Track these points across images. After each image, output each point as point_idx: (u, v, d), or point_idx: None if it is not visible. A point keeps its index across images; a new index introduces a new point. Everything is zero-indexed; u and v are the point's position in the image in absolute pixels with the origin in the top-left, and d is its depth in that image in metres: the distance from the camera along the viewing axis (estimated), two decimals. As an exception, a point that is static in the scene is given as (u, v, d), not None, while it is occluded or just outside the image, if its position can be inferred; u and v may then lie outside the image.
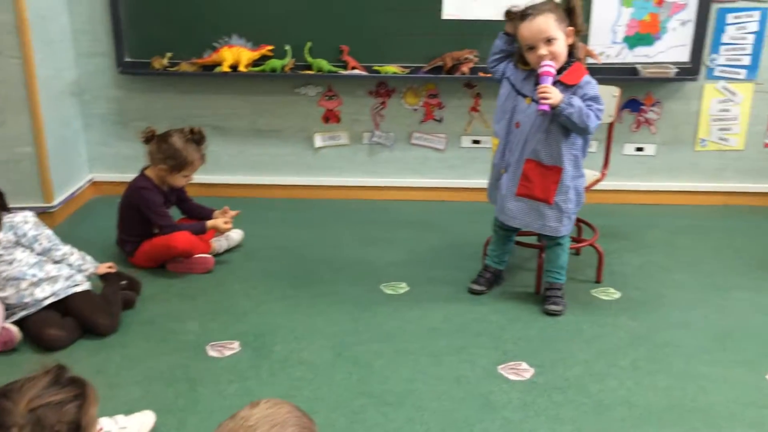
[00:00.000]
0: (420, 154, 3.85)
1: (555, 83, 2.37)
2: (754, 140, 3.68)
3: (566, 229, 2.58)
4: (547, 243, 2.65)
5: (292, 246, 3.28)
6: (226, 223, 3.03)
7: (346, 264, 3.09)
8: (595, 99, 2.39)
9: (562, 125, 2.41)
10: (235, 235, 3.24)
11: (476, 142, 3.78)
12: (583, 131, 2.40)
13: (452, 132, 3.79)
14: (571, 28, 2.42)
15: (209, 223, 3.02)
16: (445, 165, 3.85)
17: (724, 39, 3.50)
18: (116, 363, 2.30)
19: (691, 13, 3.40)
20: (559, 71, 2.40)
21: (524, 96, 2.47)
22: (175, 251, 2.92)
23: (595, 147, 3.68)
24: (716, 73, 3.57)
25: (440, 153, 3.83)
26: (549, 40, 2.37)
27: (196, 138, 3.00)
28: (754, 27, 3.47)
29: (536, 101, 2.38)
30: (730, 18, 3.47)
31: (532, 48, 2.39)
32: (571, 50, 2.44)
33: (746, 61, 3.53)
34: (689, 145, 3.72)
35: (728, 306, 2.68)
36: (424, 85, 3.70)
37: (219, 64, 3.53)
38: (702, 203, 3.78)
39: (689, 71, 3.48)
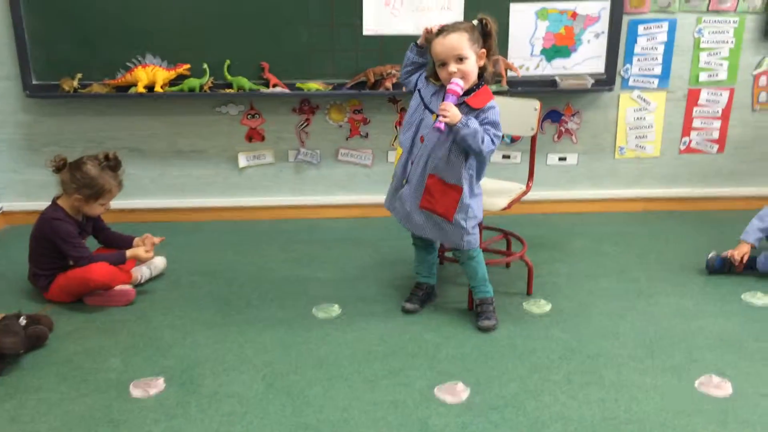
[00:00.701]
0: (347, 171, 3.80)
1: (460, 104, 2.39)
2: (669, 147, 3.82)
3: (468, 243, 2.57)
4: (460, 259, 2.65)
5: (219, 271, 3.18)
6: (147, 251, 2.89)
7: (277, 287, 3.01)
8: (493, 124, 2.41)
9: (461, 146, 2.42)
10: (158, 262, 3.10)
11: (403, 156, 3.77)
12: (478, 154, 2.40)
13: (379, 147, 3.77)
14: (483, 50, 2.43)
15: (129, 252, 2.88)
16: (373, 180, 3.82)
17: (637, 49, 3.62)
18: (31, 408, 2.14)
19: (604, 25, 3.50)
20: (468, 92, 2.42)
21: (431, 111, 2.46)
22: (92, 284, 2.76)
23: (519, 158, 3.75)
24: (631, 83, 3.68)
25: (367, 169, 3.80)
26: (460, 59, 2.37)
27: (112, 164, 2.85)
28: (663, 37, 3.61)
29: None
30: (641, 29, 3.59)
31: (444, 64, 2.39)
32: (482, 73, 2.45)
33: (658, 70, 3.66)
34: (609, 153, 3.82)
35: (654, 312, 2.74)
36: (348, 101, 3.67)
37: (134, 85, 3.39)
38: (623, 210, 3.89)
39: (605, 82, 3.58)
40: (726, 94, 3.72)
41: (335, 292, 2.95)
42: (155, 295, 2.93)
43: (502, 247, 3.19)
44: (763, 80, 3.71)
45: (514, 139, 3.75)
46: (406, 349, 2.49)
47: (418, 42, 2.54)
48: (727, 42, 3.62)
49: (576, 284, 3.01)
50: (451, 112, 2.32)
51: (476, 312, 2.69)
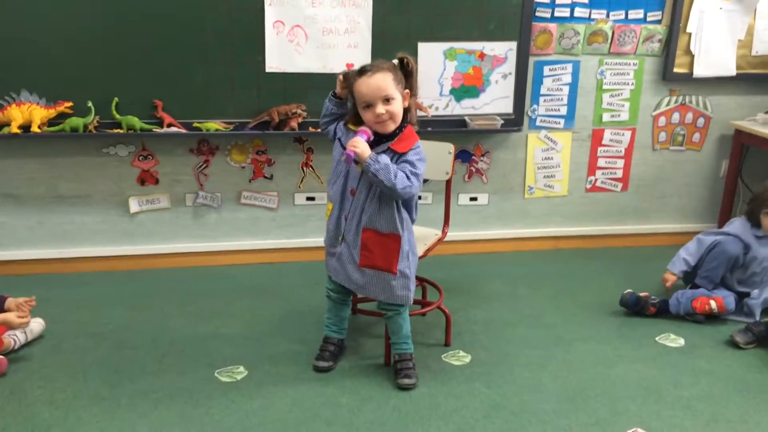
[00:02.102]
0: (251, 214, 3.57)
1: (385, 150, 2.28)
2: (576, 186, 3.84)
3: (413, 295, 2.45)
4: (387, 312, 2.49)
5: (108, 331, 2.86)
6: (20, 316, 2.54)
7: (174, 348, 2.73)
8: (410, 163, 2.28)
9: None
10: (35, 325, 2.74)
11: (310, 198, 3.58)
12: (393, 192, 2.24)
13: (284, 189, 3.56)
14: (407, 91, 2.32)
15: (-1, 317, 2.52)
16: (279, 224, 3.60)
17: (543, 90, 3.63)
18: None
19: (511, 66, 3.47)
20: (392, 136, 2.30)
21: (356, 162, 2.31)
22: (-46, 356, 2.39)
23: (430, 198, 3.65)
24: (538, 123, 3.68)
25: (272, 212, 3.58)
26: (387, 99, 2.24)
27: None
28: (568, 78, 3.63)
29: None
30: (546, 70, 3.60)
31: (369, 106, 2.25)
32: (405, 113, 2.33)
33: (563, 111, 3.68)
34: (519, 192, 3.79)
35: (574, 361, 2.68)
36: (250, 141, 3.45)
37: (6, 125, 3.03)
38: (534, 248, 3.87)
39: (513, 122, 3.55)
40: (628, 134, 3.79)
41: (240, 351, 2.70)
42: (32, 364, 2.58)
43: (418, 294, 3.05)
44: (662, 120, 3.80)
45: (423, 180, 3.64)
46: (320, 416, 2.29)
47: (336, 92, 2.39)
48: (628, 84, 3.70)
49: (494, 332, 2.91)
50: (360, 147, 2.20)
51: (395, 369, 2.53)
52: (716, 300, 2.95)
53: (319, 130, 2.55)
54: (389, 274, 2.37)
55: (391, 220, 2.34)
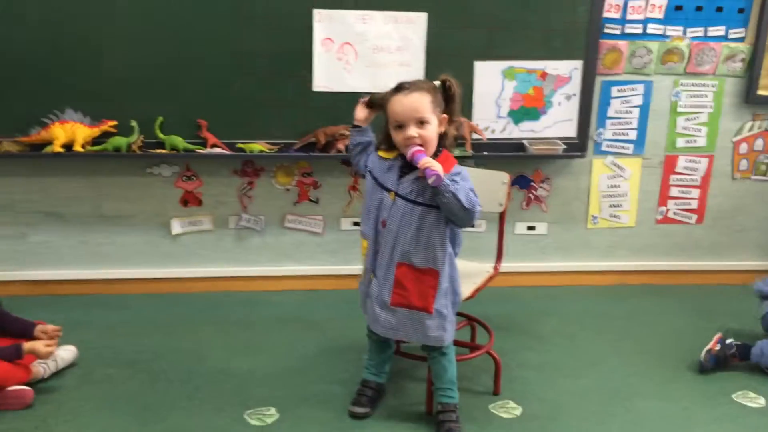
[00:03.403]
0: (295, 239, 3.42)
1: (418, 177, 2.07)
2: (644, 216, 3.54)
3: (450, 335, 2.23)
4: (430, 354, 2.28)
5: (143, 359, 2.75)
6: (48, 345, 2.45)
7: (208, 382, 2.59)
8: (464, 179, 2.07)
9: (432, 221, 2.08)
10: (66, 353, 2.66)
11: (357, 224, 3.41)
12: (469, 214, 2.03)
13: (330, 213, 3.40)
14: (445, 116, 2.11)
15: (26, 345, 2.43)
16: (324, 250, 3.44)
17: (610, 113, 3.36)
18: None
19: (575, 86, 3.22)
20: None
21: (388, 190, 2.12)
22: (-22, 385, 2.32)
23: (484, 226, 3.43)
24: (604, 148, 3.41)
25: (318, 237, 3.43)
26: (422, 122, 2.04)
27: None
28: (638, 100, 3.35)
29: (401, 196, 2.10)
30: (614, 91, 3.33)
31: (401, 126, 2.06)
32: (441, 140, 2.13)
33: (633, 135, 3.39)
34: (581, 222, 3.52)
35: (637, 419, 2.40)
36: (296, 163, 3.31)
37: (50, 143, 2.98)
38: (596, 283, 3.58)
39: (577, 147, 3.29)
40: (705, 162, 3.47)
41: (272, 391, 2.54)
42: (60, 395, 2.49)
43: (466, 335, 2.83)
44: (743, 147, 3.47)
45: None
46: (352, 472, 2.10)
47: (354, 121, 2.23)
48: (706, 106, 3.38)
49: (548, 380, 2.66)
50: (435, 163, 1.98)
51: (436, 420, 2.31)
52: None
53: (352, 163, 2.36)
54: (424, 313, 2.16)
55: (429, 253, 2.12)
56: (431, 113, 2.07)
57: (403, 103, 2.05)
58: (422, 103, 2.05)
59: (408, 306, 2.17)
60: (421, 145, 2.05)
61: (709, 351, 2.71)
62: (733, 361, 2.73)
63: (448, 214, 2.07)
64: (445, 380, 2.30)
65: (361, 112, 2.24)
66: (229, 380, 2.61)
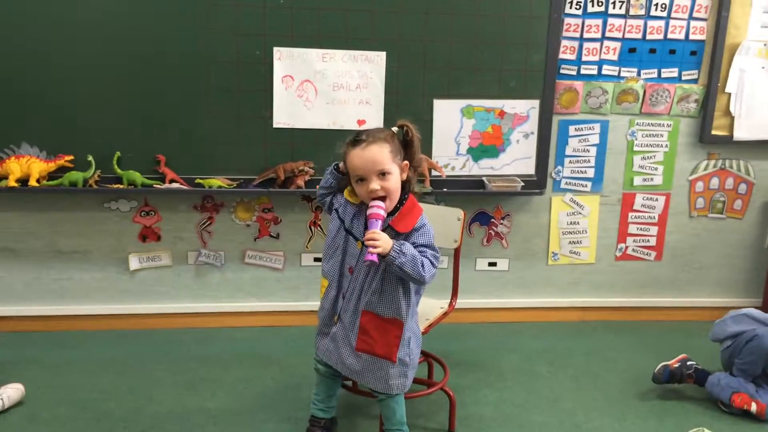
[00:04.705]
0: (255, 275, 3.40)
1: (385, 228, 2.04)
2: (604, 253, 3.56)
3: (410, 381, 2.21)
4: (378, 395, 2.24)
5: (93, 399, 2.68)
6: None
7: (158, 423, 2.53)
8: (428, 246, 2.07)
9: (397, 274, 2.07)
10: (13, 392, 2.59)
11: (318, 259, 3.39)
12: (419, 282, 2.05)
13: (291, 249, 3.39)
14: (406, 162, 2.11)
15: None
16: (284, 286, 3.42)
17: (568, 151, 3.40)
18: None
19: (533, 125, 3.27)
20: (392, 212, 2.08)
21: (355, 238, 2.12)
22: None
23: (446, 263, 3.42)
24: (563, 186, 3.45)
25: (278, 272, 3.40)
26: (383, 174, 2.03)
27: None
28: (595, 139, 3.41)
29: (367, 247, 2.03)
30: (572, 130, 3.38)
31: (363, 180, 2.06)
32: (405, 186, 2.12)
33: (590, 173, 3.44)
34: (542, 259, 3.54)
35: (592, 457, 2.39)
36: (256, 198, 3.30)
37: (5, 177, 2.95)
38: (558, 319, 3.58)
39: (536, 184, 3.32)
40: (662, 200, 3.52)
41: (224, 430, 2.49)
42: (3, 435, 2.42)
43: (423, 371, 2.80)
44: (699, 186, 3.53)
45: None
46: None
47: (341, 166, 2.19)
48: (662, 146, 3.45)
49: (505, 417, 2.63)
50: (381, 240, 1.96)
51: (388, 459, 2.28)
52: (758, 404, 2.62)
53: (317, 200, 2.35)
54: (387, 361, 2.14)
55: (394, 304, 2.10)
56: (392, 163, 2.05)
57: (362, 157, 2.03)
58: (382, 154, 2.03)
59: (372, 353, 2.14)
60: (383, 198, 2.04)
61: (665, 366, 2.76)
62: (688, 380, 2.76)
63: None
64: (394, 422, 2.27)
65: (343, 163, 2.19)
66: (180, 419, 2.55)
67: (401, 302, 2.10)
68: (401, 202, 2.10)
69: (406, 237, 2.06)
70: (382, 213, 2.01)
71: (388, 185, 2.04)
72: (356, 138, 2.07)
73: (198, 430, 2.48)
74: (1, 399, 2.54)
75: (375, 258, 1.95)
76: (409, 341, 2.16)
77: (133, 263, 3.29)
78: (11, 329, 3.25)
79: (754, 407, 2.62)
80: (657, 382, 2.78)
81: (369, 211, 2.02)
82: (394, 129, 2.12)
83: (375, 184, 2.02)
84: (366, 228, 2.05)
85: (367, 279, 2.11)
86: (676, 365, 2.78)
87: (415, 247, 2.03)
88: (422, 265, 2.00)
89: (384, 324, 2.11)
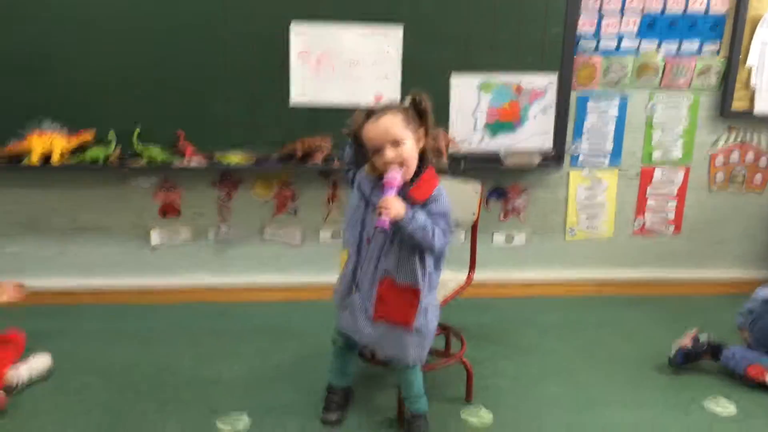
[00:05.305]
0: (274, 250, 3.43)
1: (403, 197, 2.06)
2: (621, 228, 3.56)
3: (426, 353, 2.24)
4: (396, 368, 2.28)
5: (117, 368, 2.74)
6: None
7: (179, 390, 2.59)
8: (443, 215, 2.10)
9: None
10: (39, 362, 2.65)
11: (336, 235, 3.42)
12: (430, 251, 2.09)
13: (309, 225, 3.42)
14: (422, 130, 2.13)
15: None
16: (303, 260, 3.45)
17: (586, 126, 3.39)
18: None
19: (551, 100, 3.26)
20: (410, 181, 2.11)
21: (374, 208, 2.14)
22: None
23: (463, 237, 3.44)
24: (581, 161, 3.44)
25: (296, 248, 3.44)
26: (396, 142, 2.06)
27: None
28: (614, 113, 3.39)
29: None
30: (590, 105, 3.37)
31: (379, 151, 2.08)
32: (422, 155, 2.14)
33: (609, 147, 3.43)
34: (559, 233, 3.54)
35: (608, 428, 2.40)
36: (275, 174, 3.33)
37: (27, 154, 3.00)
38: (574, 293, 3.59)
39: (553, 159, 3.32)
40: (681, 174, 3.50)
41: (245, 399, 2.54)
42: (33, 405, 2.47)
43: (440, 343, 2.83)
44: (719, 160, 3.50)
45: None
46: (320, 480, 2.10)
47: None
48: (682, 120, 3.42)
49: (522, 389, 2.66)
50: (394, 207, 1.99)
51: (406, 429, 2.32)
52: (774, 376, 2.64)
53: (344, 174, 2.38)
54: (404, 329, 2.17)
55: (411, 271, 2.13)
56: (405, 130, 2.08)
57: (376, 129, 2.07)
58: (394, 123, 2.07)
59: (389, 320, 2.18)
60: (401, 164, 2.07)
61: (679, 348, 2.75)
62: (704, 357, 2.76)
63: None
64: (413, 391, 2.31)
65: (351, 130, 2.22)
66: (201, 388, 2.61)
67: (417, 270, 2.12)
68: (419, 171, 2.12)
69: (423, 206, 2.08)
70: (397, 180, 2.04)
71: (403, 153, 2.06)
72: (369, 111, 2.12)
73: (218, 399, 2.53)
74: (28, 370, 2.60)
75: (386, 224, 1.98)
76: (426, 311, 2.18)
77: (155, 238, 3.34)
78: (37, 302, 3.30)
79: (769, 379, 2.63)
80: (674, 366, 2.77)
81: (384, 179, 2.05)
82: (406, 101, 2.15)
83: (390, 153, 2.05)
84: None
85: (384, 247, 2.13)
86: (689, 345, 2.76)
87: (430, 216, 2.06)
88: (433, 234, 2.03)
89: (401, 291, 2.14)
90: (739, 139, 3.50)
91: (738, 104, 3.40)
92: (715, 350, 2.76)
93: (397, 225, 2.02)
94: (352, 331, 2.27)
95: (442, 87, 3.17)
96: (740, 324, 2.84)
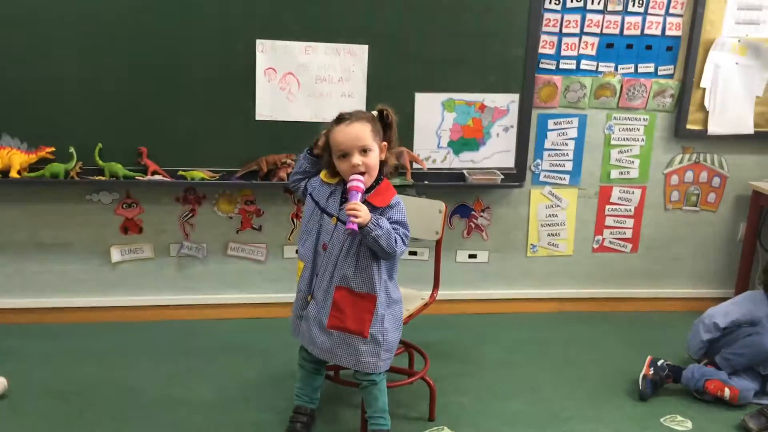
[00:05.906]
0: (238, 267, 3.41)
1: (363, 202, 2.12)
2: (582, 245, 3.63)
3: (385, 364, 2.25)
4: (361, 383, 2.29)
5: (75, 391, 2.69)
6: None
7: (141, 413, 2.55)
8: (402, 224, 2.17)
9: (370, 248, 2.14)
10: (-6, 384, 2.60)
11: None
12: (389, 256, 2.15)
13: (273, 241, 3.41)
14: (385, 143, 2.21)
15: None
16: (266, 278, 3.44)
17: (547, 144, 3.46)
18: None
19: (513, 119, 3.32)
20: (368, 189, 2.17)
21: (329, 215, 2.19)
22: None
23: (426, 255, 3.47)
24: (542, 179, 3.50)
25: (261, 264, 3.43)
26: (365, 150, 2.13)
27: None
28: (573, 133, 3.46)
29: (342, 221, 2.14)
30: (551, 124, 3.44)
31: (345, 155, 2.13)
32: (382, 167, 2.22)
33: (569, 166, 3.50)
34: (521, 251, 3.60)
35: (568, 443, 2.45)
36: (239, 191, 3.32)
37: (-15, 169, 2.94)
38: (537, 310, 3.65)
39: (515, 177, 3.37)
40: (638, 192, 3.59)
41: (209, 420, 2.51)
42: (-15, 427, 2.42)
43: (404, 361, 2.85)
44: (674, 179, 3.60)
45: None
46: (283, 502, 2.09)
47: (312, 148, 2.28)
48: (638, 140, 3.51)
49: (484, 406, 2.69)
50: (363, 211, 2.05)
51: (369, 447, 2.33)
52: (732, 390, 2.70)
53: (290, 186, 2.41)
54: (358, 337, 2.19)
55: (368, 278, 2.17)
56: (372, 141, 2.15)
57: (345, 133, 2.13)
58: (364, 131, 2.14)
59: (343, 329, 2.19)
60: (364, 173, 2.13)
61: (645, 377, 2.79)
62: (668, 381, 2.81)
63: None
64: (377, 409, 2.32)
65: (322, 141, 2.25)
66: (164, 410, 2.57)
67: (375, 277, 2.17)
68: (377, 180, 2.20)
69: (382, 212, 2.15)
70: (362, 186, 2.11)
71: (369, 161, 2.14)
72: (340, 117, 2.19)
73: (181, 421, 2.50)
74: (-17, 392, 2.55)
75: (356, 227, 2.03)
76: (383, 320, 2.20)
77: (115, 255, 3.29)
78: (-8, 322, 3.24)
79: (727, 393, 2.70)
80: (646, 398, 2.76)
81: (349, 184, 2.11)
82: (374, 112, 2.23)
83: (357, 159, 2.12)
84: (342, 204, 2.16)
85: (341, 254, 2.17)
86: (651, 372, 2.79)
87: (390, 223, 2.12)
88: (395, 241, 2.10)
89: (357, 299, 2.17)
90: (693, 159, 3.60)
91: (692, 125, 3.51)
92: (675, 372, 2.82)
93: (363, 229, 2.05)
94: (307, 342, 2.28)
95: (406, 105, 3.20)
96: (699, 357, 2.89)
